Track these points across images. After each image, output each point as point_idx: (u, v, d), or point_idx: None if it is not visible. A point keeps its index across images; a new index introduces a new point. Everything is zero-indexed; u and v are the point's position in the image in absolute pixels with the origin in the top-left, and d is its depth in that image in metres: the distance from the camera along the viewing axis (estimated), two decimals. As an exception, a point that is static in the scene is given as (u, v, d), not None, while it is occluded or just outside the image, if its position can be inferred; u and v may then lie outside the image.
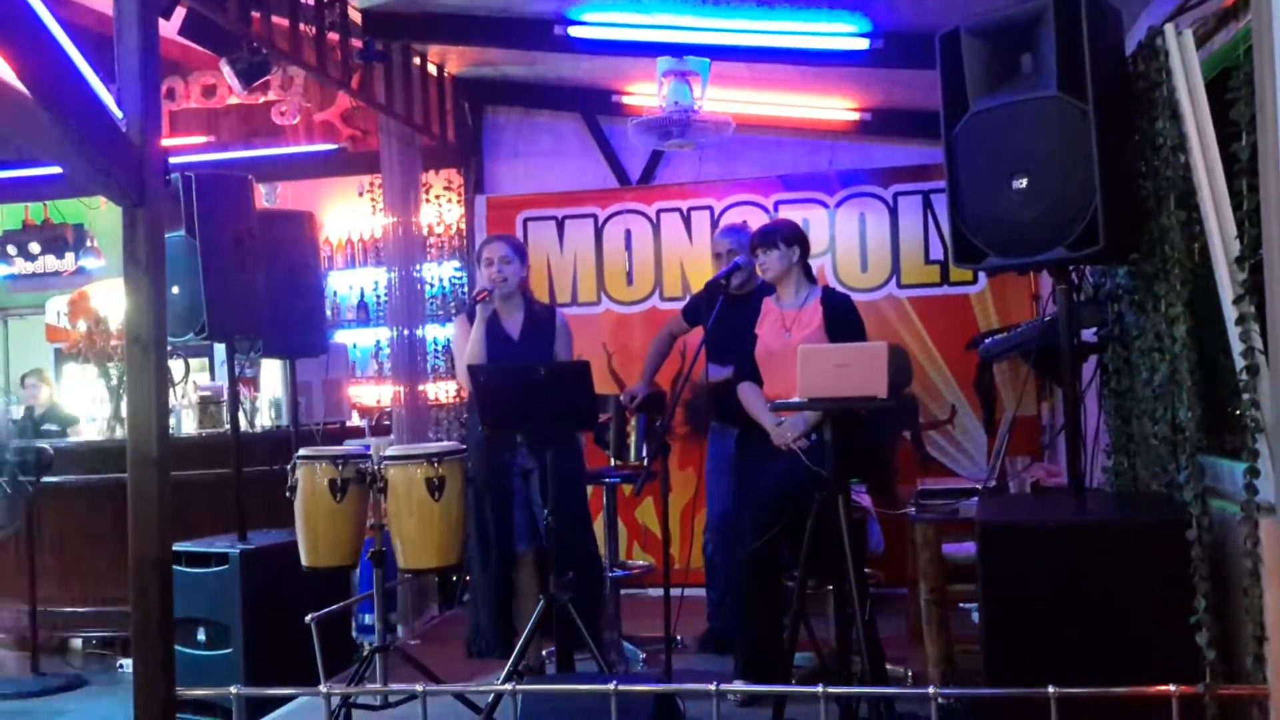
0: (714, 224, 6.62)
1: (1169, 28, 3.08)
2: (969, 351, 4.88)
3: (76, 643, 5.87)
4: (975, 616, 4.07)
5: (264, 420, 6.37)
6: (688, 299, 5.50)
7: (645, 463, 4.82)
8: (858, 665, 3.45)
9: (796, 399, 3.52)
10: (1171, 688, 2.49)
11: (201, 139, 7.56)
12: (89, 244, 8.80)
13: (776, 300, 4.38)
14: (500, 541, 4.48)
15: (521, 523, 4.51)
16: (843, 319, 4.19)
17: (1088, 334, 3.91)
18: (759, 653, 4.17)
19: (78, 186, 6.61)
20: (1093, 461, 3.96)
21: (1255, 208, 2.54)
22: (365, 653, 4.16)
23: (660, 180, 6.98)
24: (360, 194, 7.61)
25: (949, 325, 6.21)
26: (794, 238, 4.32)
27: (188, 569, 4.50)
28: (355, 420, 6.91)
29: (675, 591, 4.17)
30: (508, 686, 3.08)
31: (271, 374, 6.39)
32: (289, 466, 4.09)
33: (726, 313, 4.43)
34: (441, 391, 7.06)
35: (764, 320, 4.36)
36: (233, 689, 3.00)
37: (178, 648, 3.47)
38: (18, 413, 6.88)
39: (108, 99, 3.06)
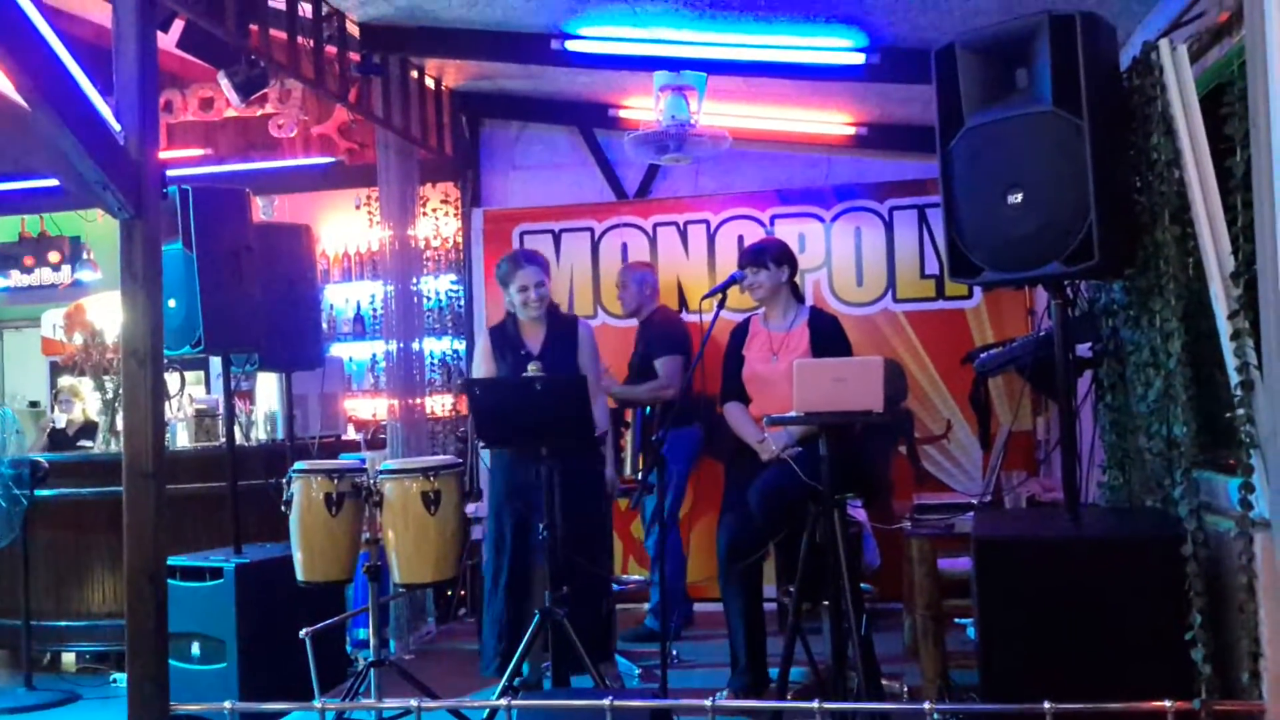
0: (710, 238, 6.62)
1: (1164, 43, 3.09)
2: (964, 366, 4.87)
3: (70, 657, 5.83)
4: (971, 632, 4.07)
5: (259, 434, 6.35)
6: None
7: (641, 477, 4.82)
8: (853, 681, 3.45)
9: (793, 414, 3.52)
10: (1167, 703, 2.50)
11: (199, 152, 7.56)
12: (85, 257, 8.78)
13: (764, 321, 4.37)
14: (516, 559, 4.33)
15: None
16: (830, 341, 4.19)
17: (1083, 349, 3.91)
18: (745, 668, 4.17)
19: (75, 199, 6.62)
20: (1088, 476, 3.96)
21: (1249, 223, 2.55)
22: (360, 668, 4.14)
23: (657, 194, 6.98)
24: (357, 207, 7.62)
25: (944, 340, 6.21)
26: (783, 257, 4.32)
27: (182, 583, 4.48)
28: (351, 434, 6.90)
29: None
30: (503, 702, 3.07)
31: (267, 387, 6.37)
32: (284, 480, 4.08)
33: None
34: (438, 405, 7.05)
35: (751, 342, 4.35)
36: (227, 704, 2.99)
37: (172, 662, 3.46)
38: (61, 420, 6.86)
39: (106, 111, 3.07)
